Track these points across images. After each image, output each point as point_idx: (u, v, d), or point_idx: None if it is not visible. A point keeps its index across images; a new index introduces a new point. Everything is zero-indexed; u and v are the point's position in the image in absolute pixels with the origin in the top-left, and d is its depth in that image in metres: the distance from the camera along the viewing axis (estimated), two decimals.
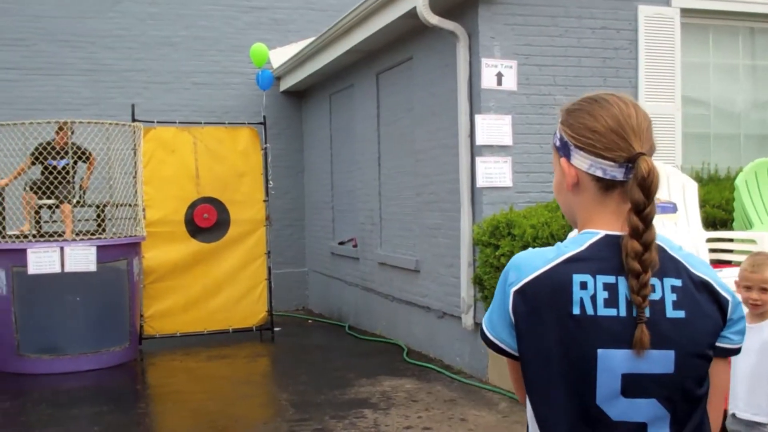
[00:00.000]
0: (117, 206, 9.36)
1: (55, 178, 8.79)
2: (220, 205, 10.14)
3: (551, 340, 1.65)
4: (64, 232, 8.88)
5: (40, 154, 8.91)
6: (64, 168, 8.85)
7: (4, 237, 8.76)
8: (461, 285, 7.81)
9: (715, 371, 1.71)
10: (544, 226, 6.55)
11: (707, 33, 8.41)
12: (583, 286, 1.64)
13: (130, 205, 9.41)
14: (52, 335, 8.57)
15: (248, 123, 10.65)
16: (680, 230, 6.01)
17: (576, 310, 1.63)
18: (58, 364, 8.53)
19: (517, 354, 1.71)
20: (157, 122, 10.06)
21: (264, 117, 10.78)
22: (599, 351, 1.62)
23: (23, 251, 8.38)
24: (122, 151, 9.36)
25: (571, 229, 6.07)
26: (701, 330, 1.66)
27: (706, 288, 1.68)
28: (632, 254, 1.61)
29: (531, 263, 1.69)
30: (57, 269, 8.43)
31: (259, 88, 11.43)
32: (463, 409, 6.78)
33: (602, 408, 1.64)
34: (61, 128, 8.91)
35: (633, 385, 1.63)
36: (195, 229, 9.99)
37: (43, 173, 8.96)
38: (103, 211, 9.35)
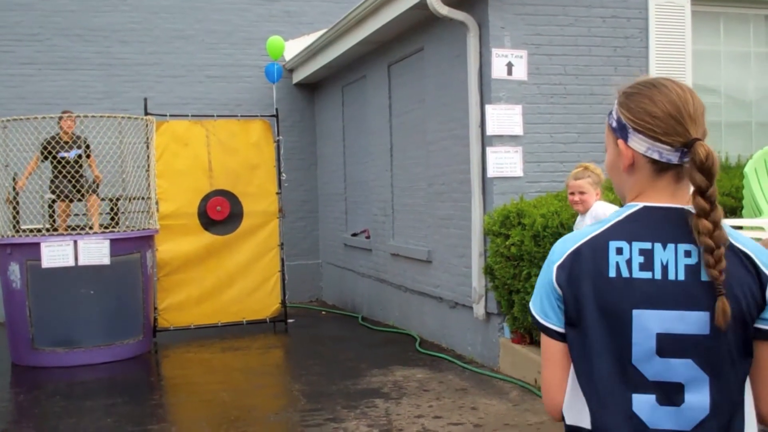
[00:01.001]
0: (130, 200, 9.42)
1: (69, 171, 8.85)
2: (233, 197, 10.18)
3: (591, 304, 1.74)
4: (87, 226, 8.97)
5: (53, 148, 8.97)
6: (76, 160, 8.91)
7: (18, 231, 8.83)
8: (473, 275, 7.82)
9: (759, 353, 1.73)
10: (554, 216, 6.55)
11: (718, 21, 8.36)
12: (619, 251, 1.74)
13: (143, 199, 9.47)
14: (67, 328, 8.64)
15: (261, 116, 10.68)
16: None
17: (612, 273, 1.72)
18: (73, 357, 8.60)
19: (563, 331, 1.80)
20: (170, 115, 10.11)
21: (276, 109, 10.81)
22: (634, 311, 1.70)
23: (37, 245, 8.45)
24: (135, 144, 9.41)
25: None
26: (737, 295, 1.68)
27: (747, 259, 1.72)
28: (705, 232, 1.67)
29: (572, 239, 1.81)
30: (71, 263, 8.50)
31: (267, 81, 11.45)
32: (474, 398, 6.79)
33: (638, 367, 1.70)
34: (60, 117, 8.97)
35: (668, 345, 1.69)
36: (208, 221, 10.04)
37: (56, 167, 9.02)
38: (116, 204, 9.41)
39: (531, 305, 1.87)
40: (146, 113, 9.72)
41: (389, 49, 9.82)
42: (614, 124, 1.86)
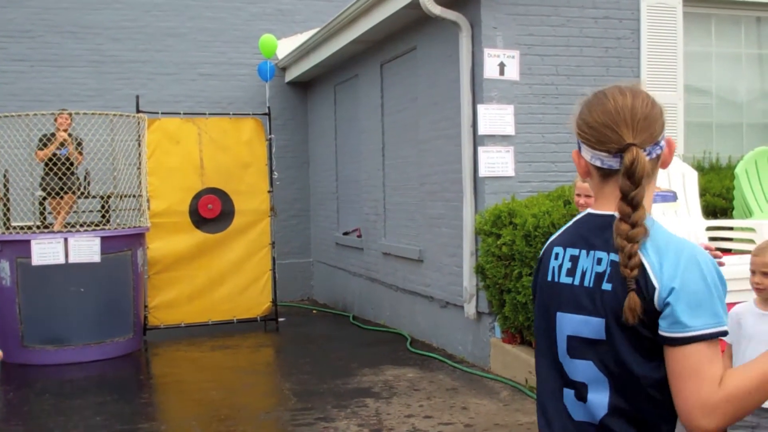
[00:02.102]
0: (121, 197, 9.40)
1: (60, 169, 8.84)
2: (225, 195, 10.16)
3: (537, 306, 1.97)
4: (78, 224, 8.96)
5: (44, 145, 8.96)
6: (67, 158, 8.89)
7: (8, 228, 8.81)
8: (464, 274, 7.82)
9: (667, 357, 1.73)
10: (546, 215, 6.55)
11: (710, 22, 8.38)
12: (556, 257, 1.92)
13: (134, 196, 9.45)
14: (57, 326, 8.61)
15: (253, 114, 10.66)
16: (680, 219, 6.01)
17: (549, 277, 1.92)
18: (63, 355, 8.58)
19: None
20: (162, 113, 10.08)
21: (268, 108, 10.80)
22: (557, 314, 1.88)
23: (27, 242, 8.42)
24: (127, 142, 9.39)
25: (572, 217, 6.08)
26: (622, 305, 1.74)
27: (641, 271, 1.74)
28: (621, 234, 1.74)
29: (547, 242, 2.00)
30: (61, 260, 8.48)
31: (260, 79, 11.44)
32: (464, 397, 6.80)
33: (563, 364, 1.87)
34: (55, 115, 8.96)
35: (574, 347, 1.83)
36: (199, 219, 10.03)
37: (47, 164, 9.00)
38: (107, 202, 9.39)
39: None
40: (138, 111, 9.69)
41: (382, 49, 9.82)
42: (574, 133, 1.95)
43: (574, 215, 5.32)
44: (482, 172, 7.56)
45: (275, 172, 10.68)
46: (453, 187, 8.03)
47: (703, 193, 6.63)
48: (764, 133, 8.58)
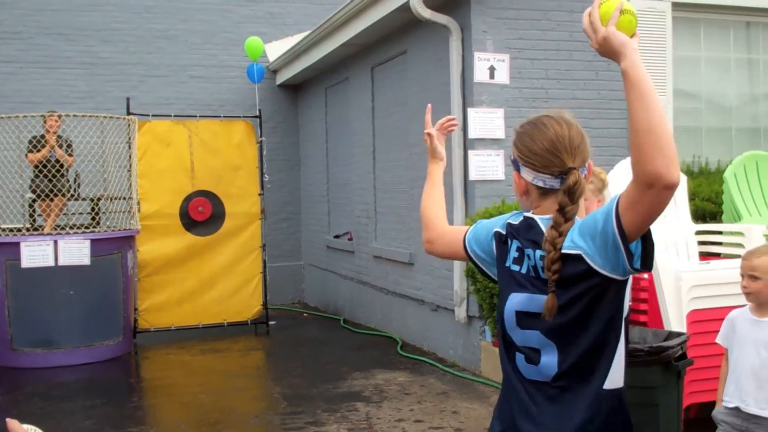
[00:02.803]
0: (111, 199, 9.38)
1: (50, 171, 8.82)
2: (215, 198, 10.15)
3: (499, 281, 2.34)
4: (68, 226, 8.93)
5: (34, 147, 8.95)
6: (57, 160, 8.87)
7: None
8: (454, 278, 7.83)
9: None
10: None
11: (699, 27, 8.42)
12: (512, 246, 2.27)
13: (124, 199, 9.44)
14: (46, 329, 8.59)
15: (244, 116, 10.66)
16: (669, 223, 6.03)
17: (506, 263, 2.28)
18: (52, 358, 8.56)
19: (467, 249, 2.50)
20: (153, 115, 10.06)
21: (259, 110, 10.80)
22: (507, 294, 2.25)
23: (17, 245, 8.40)
24: (117, 144, 9.37)
25: None
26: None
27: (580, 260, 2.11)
28: (550, 240, 2.10)
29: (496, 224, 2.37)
30: (51, 263, 8.46)
31: (250, 82, 11.44)
32: (455, 401, 6.81)
33: (510, 334, 2.25)
34: (44, 117, 8.95)
35: (522, 319, 2.20)
36: (190, 222, 10.01)
37: (36, 166, 8.98)
38: (97, 204, 9.37)
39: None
40: (128, 113, 9.67)
41: (372, 52, 9.83)
42: (511, 158, 2.31)
43: None
44: (473, 175, 7.57)
45: (266, 175, 10.67)
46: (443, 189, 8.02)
47: (693, 197, 6.65)
48: (753, 137, 8.62)
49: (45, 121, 8.99)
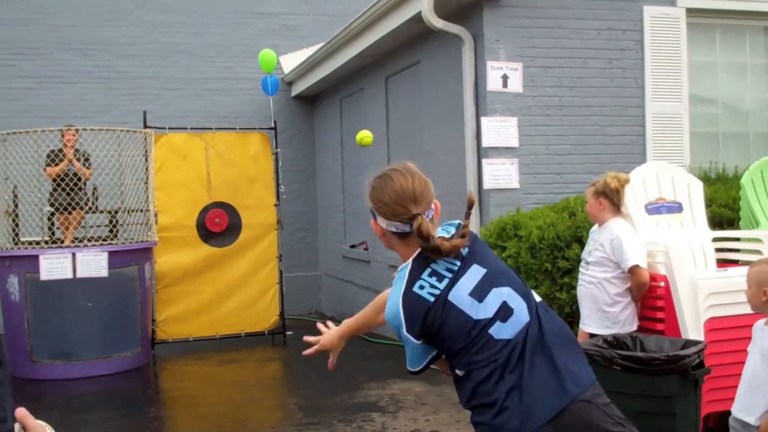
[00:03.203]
0: (129, 212, 9.44)
1: (68, 184, 8.89)
2: (232, 209, 10.20)
3: (439, 316, 2.50)
4: (86, 238, 9.00)
5: (52, 161, 9.03)
6: (75, 173, 8.94)
7: (17, 244, 8.85)
8: None
9: None
10: (550, 227, 6.54)
11: (714, 32, 8.38)
12: (421, 287, 2.51)
13: (141, 211, 9.49)
14: (65, 341, 8.65)
15: (259, 128, 10.71)
16: (686, 230, 5.99)
17: (431, 299, 2.49)
18: (71, 370, 8.61)
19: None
20: (169, 128, 10.13)
21: (274, 122, 10.84)
22: (448, 299, 2.48)
23: (36, 257, 8.46)
24: (134, 157, 9.44)
25: (577, 229, 6.05)
26: (480, 246, 2.68)
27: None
28: (444, 250, 2.48)
29: (396, 314, 2.54)
30: (69, 275, 8.52)
31: (265, 94, 11.48)
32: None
33: (477, 317, 2.49)
34: (62, 131, 9.02)
35: (478, 292, 2.50)
36: (207, 233, 10.06)
37: (55, 180, 9.05)
38: (115, 216, 9.43)
39: (410, 366, 2.69)
40: (145, 126, 9.74)
41: (386, 63, 9.85)
42: (368, 208, 2.61)
43: (579, 227, 5.37)
44: (487, 184, 7.56)
45: (282, 186, 10.71)
46: (458, 200, 8.00)
47: (710, 203, 6.60)
48: None
49: (63, 135, 9.06)
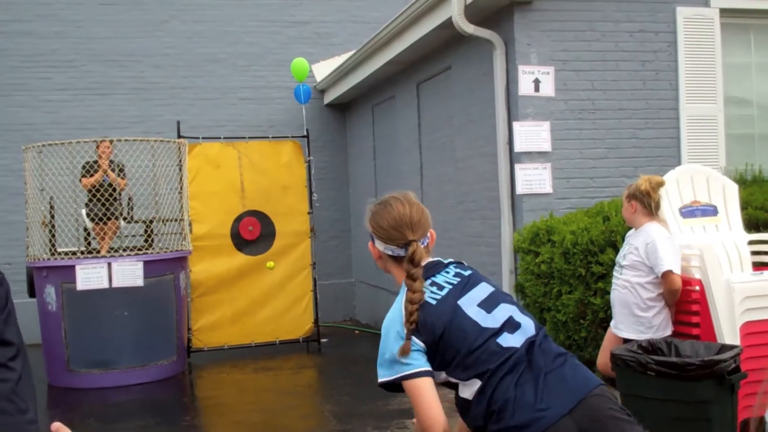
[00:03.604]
0: (164, 221, 9.52)
1: (103, 195, 8.99)
2: (265, 218, 10.25)
3: (447, 322, 2.60)
4: (121, 248, 9.09)
5: (87, 172, 9.14)
6: (110, 183, 9.03)
7: (54, 254, 8.96)
8: None
9: None
10: (584, 232, 6.49)
11: (748, 32, 8.27)
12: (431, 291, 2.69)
13: (176, 220, 9.56)
14: (101, 350, 8.73)
15: (292, 136, 10.75)
16: (721, 233, 5.91)
17: (432, 302, 2.62)
18: (108, 379, 8.69)
19: (428, 369, 2.63)
20: (203, 138, 10.22)
21: (307, 130, 10.87)
22: (458, 302, 2.62)
23: (72, 268, 8.56)
24: (168, 167, 9.52)
25: (611, 234, 6.00)
26: (482, 276, 2.83)
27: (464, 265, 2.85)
28: (408, 299, 2.60)
29: (396, 321, 2.66)
30: (105, 285, 8.60)
31: (298, 102, 11.53)
32: None
33: (485, 325, 2.60)
34: (97, 143, 9.14)
35: (486, 304, 2.66)
36: (241, 242, 10.12)
37: (90, 191, 9.16)
38: (150, 226, 9.51)
39: (388, 375, 2.65)
40: (179, 136, 9.83)
41: (417, 69, 9.84)
42: (368, 231, 2.78)
43: (613, 232, 5.35)
44: (519, 189, 7.52)
45: (315, 194, 10.73)
46: (491, 205, 8.00)
47: (745, 206, 6.50)
48: None
49: (97, 147, 9.17)
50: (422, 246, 2.70)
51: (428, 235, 2.74)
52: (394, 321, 2.63)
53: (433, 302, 2.61)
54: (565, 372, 2.51)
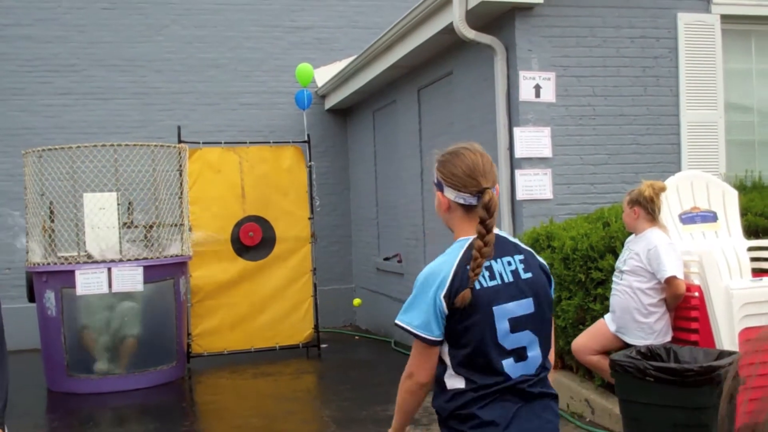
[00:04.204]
0: (164, 226, 9.50)
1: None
2: (266, 223, 10.24)
3: (470, 308, 2.55)
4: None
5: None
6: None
7: (53, 259, 8.94)
8: None
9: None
10: (584, 238, 6.49)
11: (749, 39, 8.27)
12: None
13: (176, 225, 9.55)
14: (101, 355, 8.73)
15: (293, 141, 10.75)
16: (721, 239, 5.90)
17: (477, 287, 2.56)
18: (107, 384, 8.67)
19: (441, 339, 2.60)
20: (204, 143, 10.21)
21: (308, 135, 10.87)
22: (494, 308, 2.57)
23: (72, 273, 8.55)
24: (168, 172, 9.51)
25: (611, 240, 5.99)
26: (542, 283, 2.68)
27: (534, 258, 2.72)
28: (477, 248, 2.54)
29: (445, 267, 2.59)
30: (105, 290, 8.59)
31: (299, 108, 11.53)
32: None
33: (501, 343, 2.57)
34: None
35: (515, 325, 2.59)
36: (241, 247, 10.11)
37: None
38: (149, 231, 9.51)
39: (408, 323, 2.62)
40: (180, 141, 9.83)
41: (419, 74, 9.85)
42: (435, 181, 2.73)
43: (613, 237, 5.38)
44: (520, 195, 7.52)
45: (316, 199, 10.73)
46: None
47: (745, 212, 6.50)
48: None
49: None
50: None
51: (495, 187, 2.67)
52: (435, 275, 2.59)
53: (477, 287, 2.56)
54: (534, 412, 2.61)
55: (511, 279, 2.61)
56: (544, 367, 2.66)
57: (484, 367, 2.56)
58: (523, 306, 2.60)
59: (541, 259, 2.74)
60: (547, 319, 2.68)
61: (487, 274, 2.57)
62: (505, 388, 2.56)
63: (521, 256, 2.67)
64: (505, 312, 2.57)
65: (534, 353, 2.62)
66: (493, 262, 2.60)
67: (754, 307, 5.09)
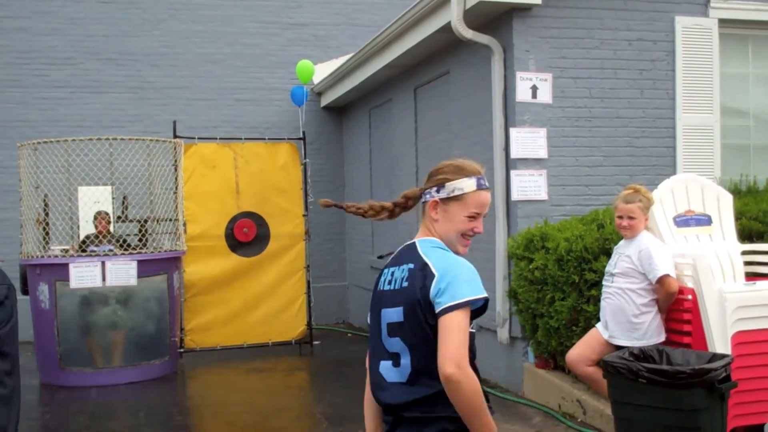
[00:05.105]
0: (158, 221, 9.50)
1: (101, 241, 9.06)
2: (260, 219, 10.24)
3: (371, 307, 2.87)
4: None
5: (83, 243, 9.15)
6: (105, 253, 8.96)
7: (47, 252, 8.94)
8: (497, 299, 7.78)
9: (438, 326, 2.58)
10: (578, 239, 6.50)
11: (747, 43, 8.30)
12: (383, 274, 2.88)
13: (171, 220, 9.55)
14: (94, 348, 8.72)
15: (288, 138, 10.75)
16: (715, 242, 5.92)
17: (379, 288, 2.84)
18: (99, 377, 8.67)
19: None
20: (199, 138, 10.21)
21: (303, 132, 10.87)
22: (383, 310, 2.76)
23: (66, 266, 8.54)
24: (163, 167, 9.51)
25: (605, 242, 6.01)
26: (415, 296, 2.64)
27: (425, 267, 2.68)
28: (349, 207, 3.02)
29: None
30: (98, 284, 8.58)
31: (295, 104, 11.52)
32: (497, 423, 6.65)
33: (384, 343, 2.74)
34: (95, 217, 9.24)
35: (390, 330, 2.72)
36: (235, 243, 10.10)
37: None
38: (144, 226, 9.50)
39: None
40: (175, 136, 9.82)
41: (415, 73, 9.85)
42: (451, 191, 2.91)
43: (608, 239, 5.41)
44: (515, 195, 7.53)
45: (310, 196, 10.73)
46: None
47: (740, 216, 6.52)
48: None
49: (95, 221, 9.26)
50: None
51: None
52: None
53: (379, 288, 2.86)
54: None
55: (398, 286, 2.73)
56: (417, 376, 2.65)
57: (371, 364, 2.85)
58: (397, 314, 2.70)
59: (433, 269, 2.67)
60: (422, 336, 2.64)
61: (388, 278, 2.79)
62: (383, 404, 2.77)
63: (411, 266, 2.72)
64: (385, 316, 2.74)
65: (405, 361, 2.67)
66: (395, 268, 2.79)
67: (747, 311, 5.11)
